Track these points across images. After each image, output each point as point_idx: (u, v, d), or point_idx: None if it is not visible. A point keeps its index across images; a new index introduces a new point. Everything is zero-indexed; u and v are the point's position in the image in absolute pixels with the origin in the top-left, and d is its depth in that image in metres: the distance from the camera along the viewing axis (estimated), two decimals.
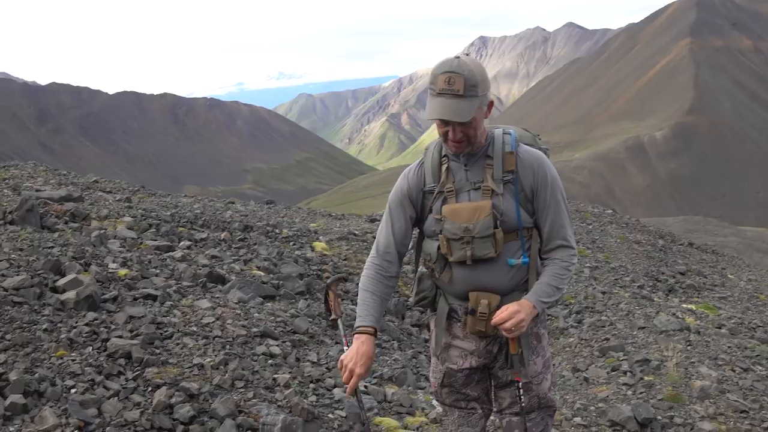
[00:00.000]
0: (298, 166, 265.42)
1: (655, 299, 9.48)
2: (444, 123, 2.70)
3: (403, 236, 2.97)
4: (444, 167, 2.84)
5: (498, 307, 2.80)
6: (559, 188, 2.85)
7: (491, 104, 2.77)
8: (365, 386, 5.09)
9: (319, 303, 6.99)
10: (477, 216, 2.74)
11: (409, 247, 3.07)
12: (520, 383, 2.86)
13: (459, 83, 2.60)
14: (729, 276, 13.32)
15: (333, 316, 3.04)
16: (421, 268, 3.04)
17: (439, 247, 2.85)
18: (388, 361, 6.08)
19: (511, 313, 2.68)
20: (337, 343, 5.95)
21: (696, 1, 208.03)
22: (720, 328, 7.75)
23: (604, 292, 9.51)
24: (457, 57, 2.67)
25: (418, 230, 3.04)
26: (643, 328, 7.53)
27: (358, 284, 7.95)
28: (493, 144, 2.82)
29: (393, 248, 2.96)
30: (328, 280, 3.06)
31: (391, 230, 2.96)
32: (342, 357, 2.80)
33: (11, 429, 3.50)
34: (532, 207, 2.82)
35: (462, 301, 2.90)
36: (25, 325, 4.59)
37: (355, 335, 2.82)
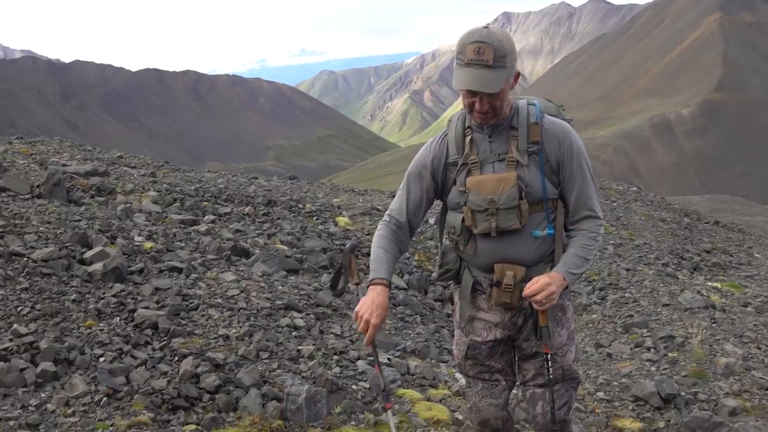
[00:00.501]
0: (320, 143, 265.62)
1: (679, 277, 9.41)
2: (471, 94, 2.66)
3: (417, 207, 2.95)
4: (468, 139, 2.81)
5: (523, 279, 2.78)
6: (585, 159, 2.82)
7: (518, 75, 2.72)
8: (389, 359, 5.12)
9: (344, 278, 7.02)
10: (502, 187, 2.71)
11: (427, 221, 3.05)
12: (549, 355, 2.85)
13: (488, 53, 2.56)
14: (755, 255, 13.16)
15: (356, 281, 3.00)
16: (445, 241, 3.02)
17: (463, 220, 2.83)
18: (411, 335, 6.11)
19: (542, 285, 2.66)
20: None
21: None
22: (746, 306, 7.67)
23: (628, 269, 9.44)
24: (486, 27, 2.62)
25: (441, 203, 3.02)
26: (668, 305, 7.48)
27: None
28: (517, 115, 2.78)
29: (404, 216, 2.94)
30: (347, 246, 3.01)
31: (406, 199, 2.95)
32: (357, 308, 2.77)
33: (42, 395, 3.58)
34: (557, 178, 2.79)
35: (486, 273, 2.89)
36: (54, 295, 4.67)
37: (370, 287, 2.81)
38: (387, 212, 3.01)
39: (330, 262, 7.31)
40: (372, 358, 3.11)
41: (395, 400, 4.54)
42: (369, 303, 2.76)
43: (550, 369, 2.86)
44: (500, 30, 2.65)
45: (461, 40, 2.63)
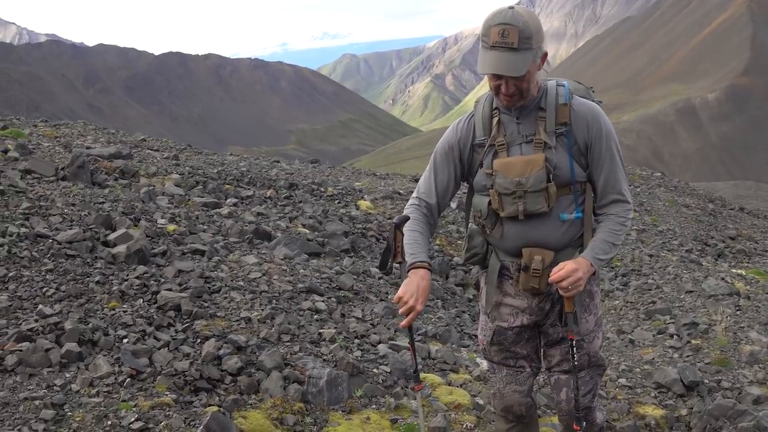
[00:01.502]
0: (342, 126, 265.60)
1: (703, 263, 9.30)
2: (497, 76, 2.60)
3: (445, 189, 2.91)
4: (495, 120, 2.76)
5: (552, 264, 2.74)
6: (615, 141, 2.75)
7: (545, 56, 2.67)
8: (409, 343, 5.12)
9: (364, 261, 7.03)
10: (530, 170, 2.66)
11: (451, 204, 3.01)
12: (574, 341, 2.82)
13: (513, 36, 2.50)
14: None
15: (399, 259, 2.86)
16: (471, 225, 2.98)
17: (489, 203, 2.78)
18: (432, 319, 6.10)
19: (569, 271, 2.61)
20: (382, 300, 5.98)
21: None
22: None
23: (651, 255, 9.35)
24: (511, 7, 2.56)
25: (467, 185, 2.98)
26: (691, 291, 7.41)
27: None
28: (546, 96, 2.73)
29: (434, 198, 2.91)
30: (396, 220, 2.85)
31: (434, 180, 2.91)
32: (401, 292, 2.71)
33: (67, 375, 3.62)
34: (585, 161, 2.74)
35: (514, 257, 2.84)
36: (78, 277, 4.72)
37: (412, 270, 2.76)
38: (415, 195, 2.96)
39: (352, 246, 7.32)
40: (408, 340, 3.06)
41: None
42: (414, 287, 2.71)
43: (575, 356, 2.82)
44: (525, 10, 2.59)
45: (486, 21, 2.57)
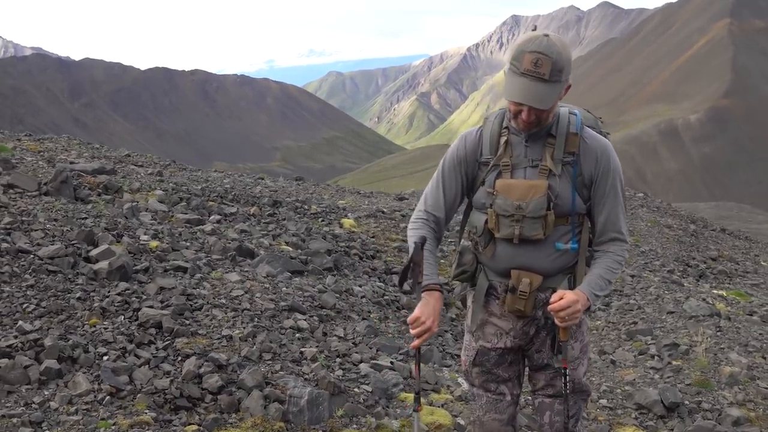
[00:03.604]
0: (327, 144, 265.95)
1: (685, 284, 9.38)
2: (519, 103, 2.59)
3: (452, 202, 2.87)
4: (503, 140, 2.73)
5: (539, 288, 2.74)
6: (620, 180, 2.75)
7: (569, 87, 2.63)
8: (391, 362, 5.12)
9: (347, 279, 7.02)
10: (531, 195, 2.64)
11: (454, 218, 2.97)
12: (567, 369, 2.78)
13: (546, 66, 2.46)
14: (762, 263, 13.12)
15: (420, 278, 2.78)
16: (464, 241, 2.95)
17: (486, 221, 2.76)
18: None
19: (569, 302, 2.59)
20: (364, 319, 5.98)
21: None
22: (751, 315, 7.65)
23: (633, 276, 9.42)
24: (546, 35, 2.52)
25: (466, 201, 2.95)
26: (672, 312, 7.46)
27: (384, 261, 7.96)
28: (557, 123, 2.70)
29: (442, 212, 2.87)
30: (417, 241, 2.77)
31: (443, 193, 2.86)
32: (418, 313, 2.67)
33: (46, 393, 3.58)
34: (587, 193, 2.73)
35: (502, 278, 2.82)
36: (59, 293, 4.68)
37: (426, 292, 2.74)
38: (422, 208, 2.91)
39: (335, 264, 7.32)
40: (414, 361, 3.02)
41: (397, 404, 4.53)
42: (430, 310, 2.70)
43: (568, 383, 2.80)
44: (560, 40, 2.54)
45: (519, 46, 2.53)
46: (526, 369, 3.00)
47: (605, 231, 2.76)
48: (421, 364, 5.31)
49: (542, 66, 2.46)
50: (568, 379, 2.80)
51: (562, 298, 2.61)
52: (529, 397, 4.28)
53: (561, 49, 2.50)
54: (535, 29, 2.62)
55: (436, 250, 2.86)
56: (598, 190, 2.72)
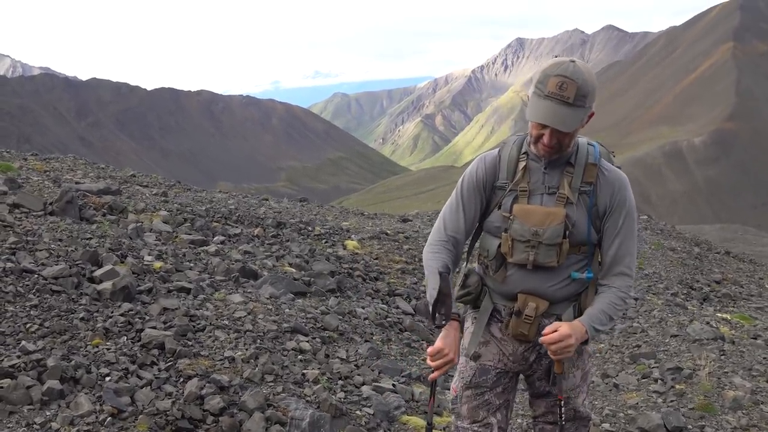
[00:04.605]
0: (332, 165, 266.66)
1: (689, 307, 9.35)
2: (542, 126, 2.61)
3: (472, 224, 2.87)
4: (522, 165, 2.75)
5: (545, 313, 2.75)
6: (634, 216, 2.77)
7: (592, 115, 2.65)
8: (393, 385, 5.11)
9: (350, 301, 7.03)
10: (549, 222, 2.66)
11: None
12: (563, 401, 2.78)
13: (571, 91, 2.49)
14: (767, 286, 13.06)
15: (449, 310, 2.71)
16: (471, 264, 2.95)
17: (499, 246, 2.77)
18: (417, 361, 6.09)
19: (561, 336, 2.59)
20: (366, 341, 5.98)
21: (740, 4, 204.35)
22: (756, 338, 7.61)
23: (636, 299, 9.40)
24: (573, 61, 2.55)
25: (477, 225, 2.94)
26: (676, 336, 7.44)
27: (388, 283, 7.97)
28: (577, 153, 2.73)
29: (462, 234, 2.85)
30: (442, 269, 2.73)
31: (463, 216, 2.85)
32: (441, 345, 2.66)
33: (48, 413, 3.59)
34: (599, 224, 2.74)
35: (508, 301, 2.83)
36: (62, 313, 4.70)
37: (448, 323, 2.72)
38: (442, 229, 2.88)
39: (338, 286, 7.32)
40: (429, 392, 3.00)
41: (399, 426, 4.52)
42: (451, 341, 2.69)
43: (563, 414, 2.80)
44: (586, 67, 2.58)
45: (546, 70, 2.56)
46: (526, 395, 3.00)
47: (613, 265, 2.75)
48: (423, 387, 5.31)
49: (567, 89, 2.49)
50: (563, 410, 2.79)
51: (555, 331, 2.60)
52: (530, 421, 4.28)
53: (587, 76, 2.52)
54: (557, 56, 2.65)
55: (453, 276, 2.83)
56: (610, 222, 2.73)
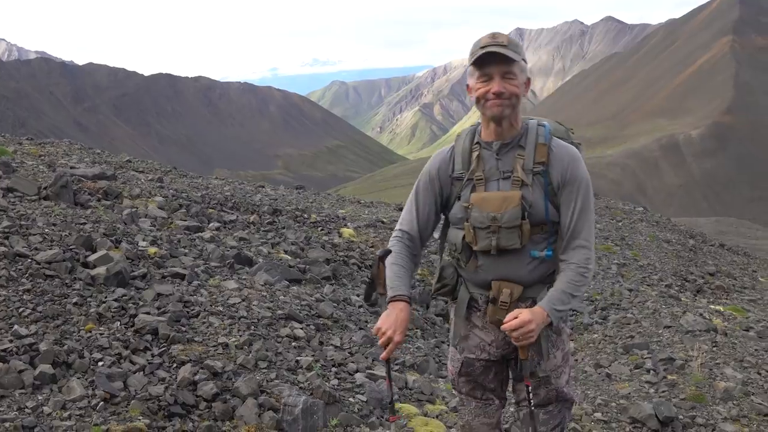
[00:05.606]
0: (329, 153, 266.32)
1: (682, 299, 9.38)
2: (484, 81, 2.66)
3: (426, 220, 2.94)
4: (475, 155, 2.80)
5: (520, 298, 2.78)
6: (587, 188, 2.77)
7: (528, 81, 2.73)
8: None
9: (345, 288, 7.03)
10: (506, 206, 2.70)
11: (435, 234, 3.04)
12: (530, 387, 2.81)
13: (503, 38, 2.63)
14: (760, 279, 13.11)
15: (381, 291, 2.88)
16: (445, 257, 3.01)
17: (464, 237, 2.81)
18: (411, 349, 6.11)
19: (522, 322, 2.61)
20: (361, 328, 5.98)
21: None
22: (748, 330, 7.64)
23: (630, 290, 9.42)
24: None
25: (443, 218, 3.01)
26: (669, 327, 7.46)
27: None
28: (527, 134, 2.78)
29: (416, 230, 2.94)
30: (379, 253, 2.89)
31: (416, 212, 2.94)
32: (379, 324, 2.73)
33: (40, 398, 3.59)
34: (557, 201, 2.77)
35: (483, 290, 2.86)
36: (56, 298, 4.69)
37: (391, 303, 2.78)
38: (398, 226, 2.99)
39: (333, 273, 7.32)
40: (385, 370, 3.08)
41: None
42: (393, 319, 2.72)
43: (540, 392, 2.84)
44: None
45: (474, 44, 2.67)
46: (511, 380, 3.03)
47: (571, 239, 2.77)
48: (417, 375, 5.32)
49: (499, 38, 2.64)
50: (536, 392, 2.84)
51: (516, 318, 2.63)
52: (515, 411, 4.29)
53: (512, 38, 2.68)
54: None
55: (410, 264, 2.89)
56: (565, 196, 2.75)
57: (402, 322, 2.73)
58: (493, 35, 2.66)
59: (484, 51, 2.62)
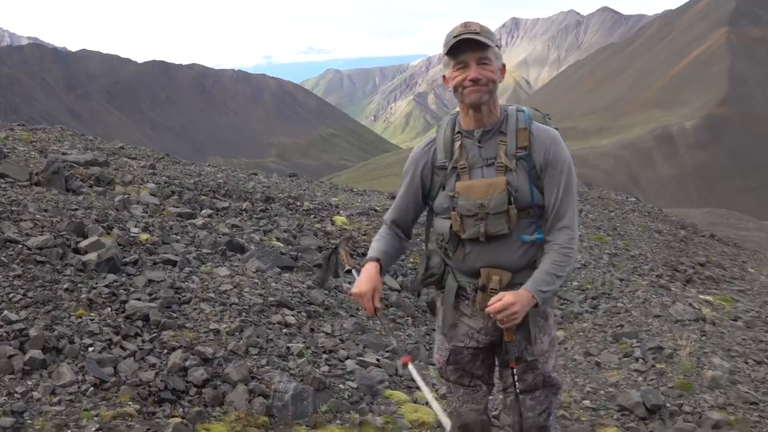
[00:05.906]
0: (323, 141, 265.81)
1: (672, 289, 9.43)
2: (460, 69, 2.69)
3: (406, 210, 3.02)
4: (457, 144, 2.82)
5: (509, 284, 2.79)
6: (569, 169, 2.80)
7: (504, 68, 2.77)
8: (377, 360, 5.14)
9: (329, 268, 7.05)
10: (491, 192, 2.72)
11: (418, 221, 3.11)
12: (515, 371, 2.84)
13: (475, 26, 2.67)
14: (749, 270, 13.17)
15: (347, 267, 3.12)
16: (431, 246, 3.02)
17: (451, 226, 2.82)
18: (402, 336, 6.13)
19: (506, 304, 2.63)
20: (352, 316, 6.01)
21: None
22: (736, 320, 7.70)
23: (621, 279, 9.47)
24: None
25: (428, 209, 3.03)
26: (659, 316, 7.51)
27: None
28: (507, 120, 2.80)
29: (399, 219, 3.05)
30: (338, 241, 3.18)
31: (399, 202, 3.04)
32: (354, 289, 2.88)
33: (29, 383, 3.60)
34: (542, 184, 2.79)
35: (472, 278, 2.88)
36: (46, 283, 4.69)
37: (363, 267, 2.94)
38: (384, 216, 3.10)
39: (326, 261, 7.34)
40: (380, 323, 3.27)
41: (382, 401, 4.57)
42: (362, 279, 2.87)
43: (518, 384, 2.86)
44: None
45: (447, 35, 2.71)
46: (498, 367, 3.05)
47: (555, 220, 2.79)
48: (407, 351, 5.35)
49: (471, 26, 2.67)
50: (526, 375, 2.88)
51: (500, 300, 2.66)
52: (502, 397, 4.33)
53: (484, 26, 2.72)
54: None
55: (392, 242, 3.04)
56: (547, 178, 2.77)
57: (368, 278, 2.87)
58: (465, 24, 2.68)
59: (457, 39, 2.66)
